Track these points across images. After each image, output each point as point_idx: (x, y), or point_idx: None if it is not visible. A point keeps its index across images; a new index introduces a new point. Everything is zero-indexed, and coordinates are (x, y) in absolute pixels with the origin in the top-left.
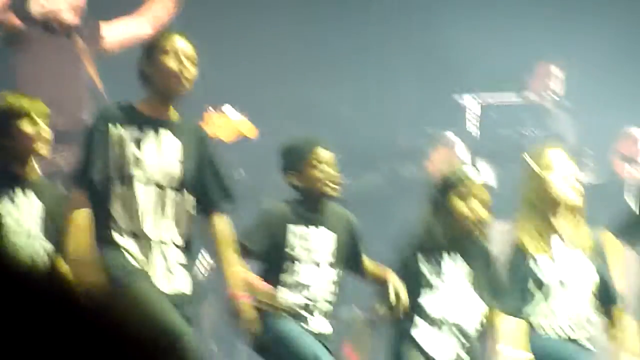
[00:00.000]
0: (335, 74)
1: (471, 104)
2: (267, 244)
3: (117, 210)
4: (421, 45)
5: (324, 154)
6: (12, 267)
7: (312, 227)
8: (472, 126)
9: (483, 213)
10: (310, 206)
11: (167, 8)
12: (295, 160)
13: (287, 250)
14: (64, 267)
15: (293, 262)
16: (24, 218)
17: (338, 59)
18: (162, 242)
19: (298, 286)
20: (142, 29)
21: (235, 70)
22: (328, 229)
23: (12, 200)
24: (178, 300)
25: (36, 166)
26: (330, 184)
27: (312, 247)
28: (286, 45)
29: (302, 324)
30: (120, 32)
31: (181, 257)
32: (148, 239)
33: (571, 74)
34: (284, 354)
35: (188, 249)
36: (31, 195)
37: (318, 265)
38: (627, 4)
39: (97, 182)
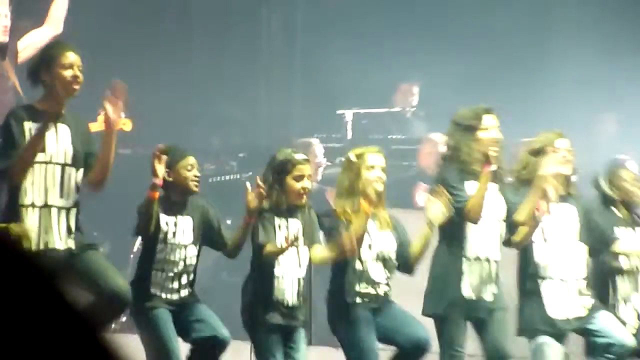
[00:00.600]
0: (238, 97)
1: (349, 116)
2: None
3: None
4: (307, 70)
5: (191, 160)
6: None
7: (179, 216)
8: (349, 133)
9: (309, 185)
10: (177, 199)
11: (63, 8)
12: (171, 163)
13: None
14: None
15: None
16: None
17: (241, 82)
18: (63, 208)
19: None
20: (44, 36)
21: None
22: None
23: None
24: (67, 254)
25: None
26: (194, 183)
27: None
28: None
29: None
30: (29, 45)
31: (73, 220)
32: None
33: (425, 91)
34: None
35: (79, 212)
36: None
37: (185, 246)
38: (473, 39)
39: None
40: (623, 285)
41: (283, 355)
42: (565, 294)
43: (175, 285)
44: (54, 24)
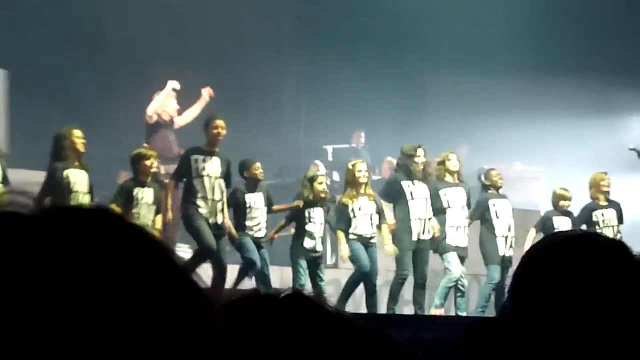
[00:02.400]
0: None
1: (330, 149)
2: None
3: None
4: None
5: (258, 164)
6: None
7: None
8: (331, 157)
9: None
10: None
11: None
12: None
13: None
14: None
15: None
16: None
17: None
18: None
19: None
20: (191, 116)
21: None
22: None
23: None
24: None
25: None
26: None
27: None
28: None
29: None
30: (183, 118)
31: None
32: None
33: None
34: None
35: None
36: None
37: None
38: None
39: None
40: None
41: None
42: None
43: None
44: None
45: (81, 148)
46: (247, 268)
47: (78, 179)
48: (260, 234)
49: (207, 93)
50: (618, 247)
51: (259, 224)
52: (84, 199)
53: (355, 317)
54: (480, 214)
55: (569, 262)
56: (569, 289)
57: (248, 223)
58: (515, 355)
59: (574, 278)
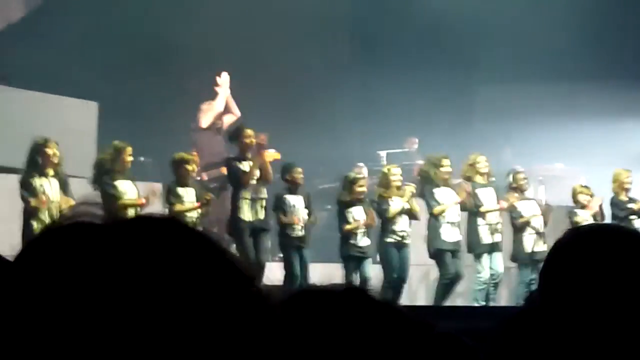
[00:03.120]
0: None
1: (384, 154)
2: None
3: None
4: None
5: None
6: None
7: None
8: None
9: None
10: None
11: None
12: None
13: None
14: None
15: None
16: None
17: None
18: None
19: None
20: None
21: None
22: None
23: None
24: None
25: None
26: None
27: None
28: None
29: None
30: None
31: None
32: None
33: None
34: None
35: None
36: None
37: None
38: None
39: None
40: None
41: None
42: None
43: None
44: (234, 111)
45: (129, 162)
46: (289, 279)
47: (127, 189)
48: (301, 233)
49: (224, 79)
50: (637, 234)
51: (300, 224)
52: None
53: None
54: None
55: (593, 252)
56: (594, 277)
57: (290, 225)
58: (546, 342)
59: (599, 266)
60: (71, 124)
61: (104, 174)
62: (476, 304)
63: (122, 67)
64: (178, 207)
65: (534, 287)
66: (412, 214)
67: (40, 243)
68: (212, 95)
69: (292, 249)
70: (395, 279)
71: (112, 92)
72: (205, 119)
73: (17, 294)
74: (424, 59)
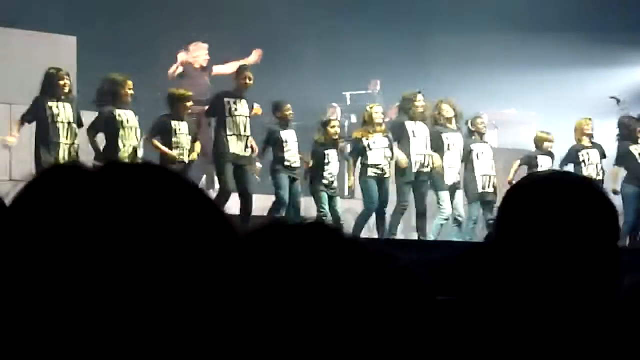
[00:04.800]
0: None
1: (348, 96)
2: None
3: None
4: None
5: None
6: None
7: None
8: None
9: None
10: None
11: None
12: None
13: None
14: None
15: None
16: None
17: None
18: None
19: None
20: (231, 69)
21: None
22: None
23: None
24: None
25: None
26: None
27: None
28: None
29: None
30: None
31: None
32: None
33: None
34: None
35: None
36: None
37: None
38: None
39: None
40: None
41: None
42: None
43: None
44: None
45: (130, 95)
46: (278, 205)
47: (129, 117)
48: (296, 165)
49: (257, 54)
50: (590, 185)
51: (294, 156)
52: (133, 135)
53: (367, 242)
54: (464, 157)
55: (546, 197)
56: (546, 220)
57: (286, 156)
58: (499, 277)
59: (551, 211)
60: (50, 59)
61: (108, 102)
62: (434, 238)
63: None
64: (173, 139)
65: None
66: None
67: (37, 186)
68: (196, 36)
69: (284, 179)
70: (377, 210)
71: (93, 28)
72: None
73: (10, 236)
74: (385, 8)
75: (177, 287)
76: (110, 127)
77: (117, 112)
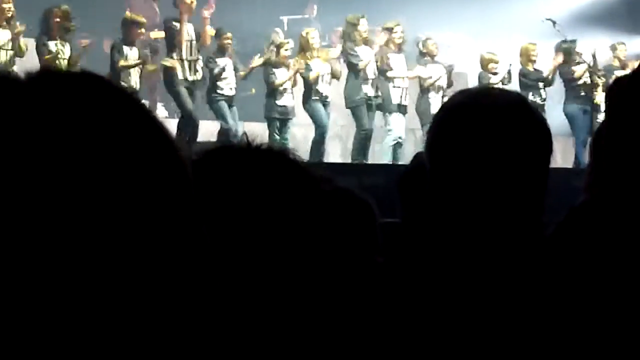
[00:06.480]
0: None
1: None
2: None
3: None
4: None
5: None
6: None
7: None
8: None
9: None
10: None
11: None
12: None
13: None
14: None
15: None
16: None
17: None
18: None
19: None
20: None
21: None
22: None
23: None
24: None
25: None
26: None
27: None
28: None
29: None
30: None
31: None
32: None
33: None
34: None
35: None
36: None
37: None
38: None
39: None
40: None
41: None
42: None
43: None
44: None
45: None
46: (224, 131)
47: (64, 50)
48: (231, 92)
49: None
50: (521, 101)
51: (229, 84)
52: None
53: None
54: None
55: (475, 118)
56: (476, 140)
57: (222, 85)
58: (433, 200)
59: (480, 131)
60: None
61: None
62: (389, 160)
63: None
64: (122, 63)
65: None
66: (333, 74)
67: None
68: None
69: (224, 106)
70: (324, 133)
71: None
72: None
73: None
74: None
75: (114, 207)
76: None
77: (50, 43)
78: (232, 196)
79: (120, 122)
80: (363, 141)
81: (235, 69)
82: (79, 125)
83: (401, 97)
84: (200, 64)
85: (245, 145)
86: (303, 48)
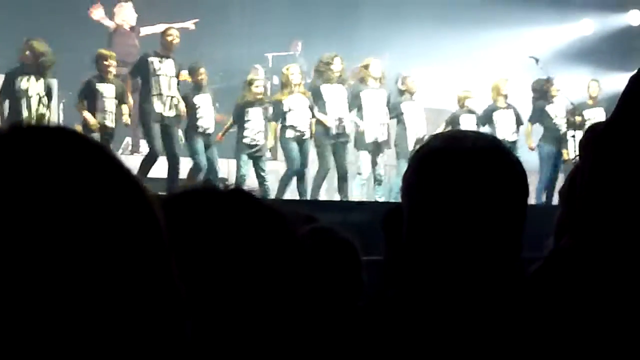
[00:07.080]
0: None
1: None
2: None
3: None
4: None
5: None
6: None
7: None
8: (270, 63)
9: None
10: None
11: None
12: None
13: None
14: None
15: None
16: None
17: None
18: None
19: None
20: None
21: None
22: None
23: None
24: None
25: None
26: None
27: None
28: None
29: None
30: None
31: None
32: None
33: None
34: None
35: None
36: None
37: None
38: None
39: None
40: None
41: None
42: None
43: None
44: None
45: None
46: (195, 171)
47: (33, 85)
48: (210, 131)
49: (192, 22)
50: (495, 145)
51: (207, 122)
52: (39, 103)
53: (287, 203)
54: (396, 115)
55: (451, 162)
56: (452, 186)
57: (199, 123)
58: (414, 239)
59: (456, 175)
60: None
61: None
62: (359, 199)
63: None
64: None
65: None
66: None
67: None
68: None
69: (199, 144)
70: (297, 171)
71: None
72: (96, 14)
73: None
74: None
75: (77, 251)
76: (9, 94)
77: (20, 77)
78: (192, 245)
79: (84, 176)
80: (321, 179)
81: (214, 105)
82: (38, 182)
83: (378, 133)
84: (176, 101)
85: (210, 188)
86: (284, 84)
